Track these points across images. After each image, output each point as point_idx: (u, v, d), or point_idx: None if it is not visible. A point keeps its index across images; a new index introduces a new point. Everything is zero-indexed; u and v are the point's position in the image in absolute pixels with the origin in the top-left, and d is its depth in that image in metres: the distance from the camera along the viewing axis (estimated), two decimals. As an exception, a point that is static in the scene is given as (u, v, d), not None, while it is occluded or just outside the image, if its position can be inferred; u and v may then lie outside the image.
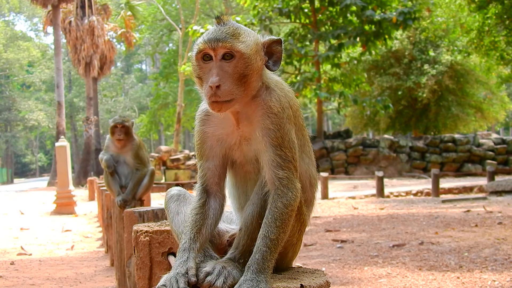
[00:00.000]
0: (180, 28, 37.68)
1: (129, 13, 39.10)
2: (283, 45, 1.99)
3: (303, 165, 2.02)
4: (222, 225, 2.15)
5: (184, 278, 1.75)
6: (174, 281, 1.74)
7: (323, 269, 6.83)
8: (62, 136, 20.25)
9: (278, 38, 1.99)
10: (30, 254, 9.28)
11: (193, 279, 1.76)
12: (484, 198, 14.88)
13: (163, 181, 25.45)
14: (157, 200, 14.78)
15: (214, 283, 1.74)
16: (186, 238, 1.89)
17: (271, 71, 1.98)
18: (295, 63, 25.32)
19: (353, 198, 17.46)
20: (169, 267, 2.47)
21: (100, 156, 6.51)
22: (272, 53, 1.97)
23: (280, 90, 1.96)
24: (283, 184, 1.85)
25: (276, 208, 1.83)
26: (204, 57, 1.88)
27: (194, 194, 2.08)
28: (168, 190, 2.21)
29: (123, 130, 6.26)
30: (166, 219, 2.80)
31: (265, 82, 1.95)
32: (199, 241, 1.90)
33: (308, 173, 2.06)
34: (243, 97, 1.87)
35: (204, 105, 2.05)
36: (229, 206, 2.22)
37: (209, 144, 2.01)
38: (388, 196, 17.55)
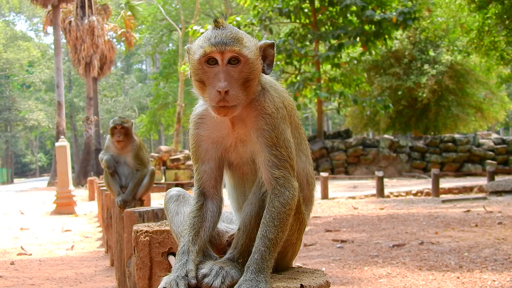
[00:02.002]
0: (180, 28, 37.69)
1: (129, 13, 39.11)
2: (280, 47, 1.99)
3: (300, 164, 2.02)
4: (222, 225, 2.15)
5: (184, 280, 1.76)
6: (174, 284, 1.74)
7: (323, 269, 6.84)
8: (62, 136, 20.24)
9: (272, 41, 1.99)
10: (30, 254, 9.28)
11: (193, 281, 1.76)
12: (484, 198, 14.88)
13: (163, 181, 25.44)
14: (157, 200, 14.79)
15: (212, 284, 1.74)
16: (185, 240, 1.89)
17: (265, 74, 1.98)
18: (295, 63, 25.31)
19: (353, 198, 17.46)
20: (169, 267, 2.47)
21: (100, 156, 6.48)
22: (265, 56, 1.97)
23: (273, 91, 1.97)
24: (279, 184, 1.85)
25: (273, 208, 1.83)
26: (208, 60, 1.86)
27: (192, 195, 2.08)
28: (168, 190, 2.21)
29: (122, 131, 6.25)
30: (166, 219, 2.80)
31: (260, 83, 1.96)
32: (197, 243, 1.90)
33: (305, 172, 2.06)
34: (245, 101, 1.87)
35: (198, 109, 2.05)
36: (229, 206, 2.22)
37: (204, 147, 2.01)
38: (388, 196, 17.55)
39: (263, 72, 1.96)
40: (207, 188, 2.02)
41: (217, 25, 1.90)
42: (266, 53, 1.97)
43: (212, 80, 1.85)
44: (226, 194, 2.16)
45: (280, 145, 1.87)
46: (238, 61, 1.85)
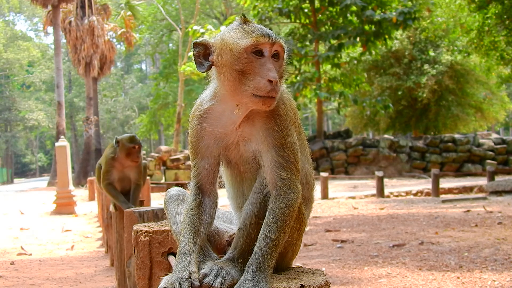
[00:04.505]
0: (180, 28, 37.69)
1: (129, 13, 39.10)
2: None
3: (300, 164, 2.02)
4: (222, 225, 2.14)
5: (187, 283, 1.74)
6: (177, 285, 1.73)
7: (323, 269, 6.83)
8: (62, 136, 20.25)
9: None
10: (30, 254, 9.28)
11: (197, 283, 1.74)
12: (484, 198, 14.88)
13: (163, 181, 25.44)
14: (157, 200, 14.81)
15: (212, 284, 1.74)
16: (186, 240, 1.88)
17: None
18: (295, 63, 25.32)
19: (353, 198, 17.46)
20: (169, 267, 2.47)
21: (106, 182, 5.91)
22: None
23: (283, 93, 1.98)
24: (285, 185, 1.86)
25: (277, 209, 1.83)
26: (256, 51, 1.87)
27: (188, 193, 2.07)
28: (168, 190, 2.21)
29: (139, 151, 5.87)
30: (166, 219, 2.80)
31: None
32: (198, 243, 1.90)
33: (305, 171, 2.06)
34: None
35: (204, 102, 2.01)
36: (228, 206, 2.21)
37: (206, 143, 2.00)
38: (388, 196, 17.55)
39: None
40: (205, 184, 2.02)
41: (246, 20, 1.94)
42: None
43: (259, 70, 1.85)
44: (225, 193, 2.15)
45: (288, 147, 1.88)
46: (279, 56, 1.89)
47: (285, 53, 1.93)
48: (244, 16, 1.96)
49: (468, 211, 11.78)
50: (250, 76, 1.85)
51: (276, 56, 1.89)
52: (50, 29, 40.78)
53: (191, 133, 2.03)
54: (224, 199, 2.11)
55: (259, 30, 1.88)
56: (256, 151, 1.94)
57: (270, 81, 1.81)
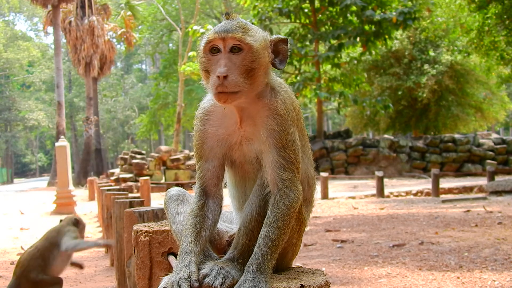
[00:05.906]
0: (180, 28, 37.69)
1: (129, 13, 39.11)
2: (289, 44, 2.00)
3: (302, 165, 2.02)
4: (222, 225, 2.14)
5: (187, 282, 1.75)
6: (177, 285, 1.73)
7: (323, 269, 6.83)
8: (62, 136, 20.25)
9: (285, 37, 2.00)
10: (30, 254, 9.27)
11: (196, 284, 1.75)
12: (484, 198, 14.88)
13: (163, 181, 25.43)
14: (157, 200, 14.81)
15: (212, 284, 1.74)
16: (187, 241, 1.88)
17: (278, 69, 1.99)
18: (295, 63, 25.33)
19: (353, 198, 17.46)
20: (169, 267, 2.47)
21: None
22: (278, 51, 1.98)
23: (284, 92, 1.97)
24: (285, 186, 1.85)
25: (278, 209, 1.83)
26: (212, 49, 1.89)
27: (193, 195, 2.07)
28: (168, 190, 2.21)
29: None
30: (166, 219, 2.80)
31: (270, 83, 1.96)
32: (199, 244, 1.90)
33: (307, 173, 2.06)
34: (249, 91, 1.87)
35: (205, 104, 2.04)
36: (229, 206, 2.21)
37: (209, 145, 2.00)
38: (388, 196, 17.55)
39: (275, 67, 1.97)
40: (209, 187, 2.02)
41: (228, 17, 1.95)
42: (279, 48, 1.99)
43: (214, 67, 1.87)
44: (227, 193, 2.15)
45: (289, 147, 1.88)
46: (241, 49, 1.87)
47: (251, 44, 1.87)
48: (227, 14, 1.96)
49: (468, 211, 11.78)
50: (211, 74, 1.89)
51: (235, 50, 1.87)
52: (50, 29, 40.78)
53: (194, 136, 2.04)
54: (225, 199, 2.11)
55: (218, 27, 1.90)
56: (258, 151, 1.94)
57: (218, 77, 1.82)
